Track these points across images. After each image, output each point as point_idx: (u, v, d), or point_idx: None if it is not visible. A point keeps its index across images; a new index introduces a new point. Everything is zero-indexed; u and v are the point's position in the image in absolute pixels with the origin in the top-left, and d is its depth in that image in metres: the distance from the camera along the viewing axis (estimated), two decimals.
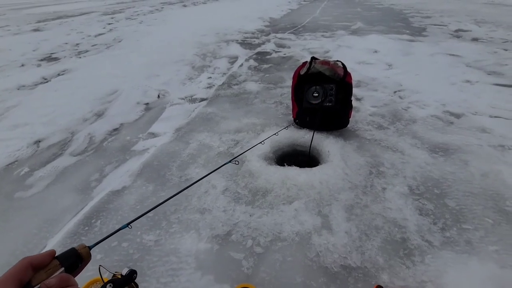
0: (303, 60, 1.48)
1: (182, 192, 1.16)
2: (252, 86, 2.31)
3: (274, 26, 5.21)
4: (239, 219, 1.02)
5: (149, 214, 1.07)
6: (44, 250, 0.58)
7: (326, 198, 1.08)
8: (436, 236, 0.92)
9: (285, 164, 1.27)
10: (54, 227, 1.05)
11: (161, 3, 12.30)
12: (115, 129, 1.77)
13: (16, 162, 1.48)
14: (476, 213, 1.00)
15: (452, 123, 1.61)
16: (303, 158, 1.42)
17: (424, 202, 1.05)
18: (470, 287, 0.77)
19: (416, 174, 1.20)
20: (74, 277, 0.34)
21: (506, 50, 2.98)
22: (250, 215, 1.03)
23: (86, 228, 1.03)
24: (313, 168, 1.23)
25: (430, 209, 1.02)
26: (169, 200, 1.12)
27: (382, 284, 0.76)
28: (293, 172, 1.20)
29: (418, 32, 4.03)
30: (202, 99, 2.13)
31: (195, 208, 1.08)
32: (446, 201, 1.05)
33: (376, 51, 3.11)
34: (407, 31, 4.06)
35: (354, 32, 4.21)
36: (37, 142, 1.66)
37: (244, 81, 2.47)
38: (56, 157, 1.52)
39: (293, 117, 1.55)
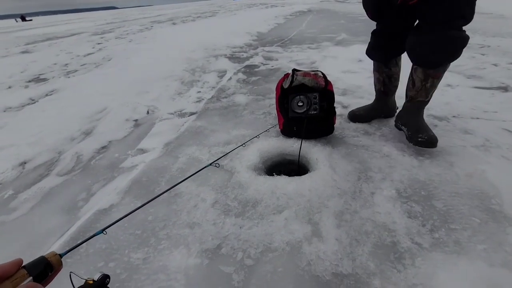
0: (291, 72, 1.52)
1: (171, 207, 1.16)
2: (241, 99, 2.34)
3: (262, 40, 5.35)
4: (229, 231, 1.00)
5: (137, 231, 1.06)
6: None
7: (316, 206, 1.08)
8: (425, 238, 0.93)
9: (274, 174, 1.27)
10: (38, 250, 1.02)
11: (151, 22, 12.55)
12: (103, 147, 1.75)
13: (0, 185, 1.44)
14: (463, 213, 1.01)
15: (436, 126, 1.65)
16: (292, 167, 1.43)
17: (412, 205, 1.06)
18: (461, 287, 0.77)
19: (403, 178, 1.21)
20: (44, 286, 0.33)
21: (483, 54, 3.11)
22: (240, 227, 1.02)
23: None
24: (302, 176, 1.24)
25: (418, 211, 1.03)
26: (158, 216, 1.11)
27: None
28: (282, 181, 1.21)
29: None
30: (192, 113, 2.15)
31: (185, 222, 1.07)
32: (433, 203, 1.07)
33: (360, 60, 3.21)
34: None
35: (339, 43, 4.35)
36: (23, 163, 1.63)
37: (233, 94, 2.50)
38: (42, 178, 1.49)
39: (279, 128, 1.57)
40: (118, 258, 0.94)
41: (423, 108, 1.46)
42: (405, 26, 1.41)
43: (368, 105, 1.81)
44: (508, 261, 0.83)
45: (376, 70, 1.67)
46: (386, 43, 1.51)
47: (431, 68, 1.29)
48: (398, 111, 1.65)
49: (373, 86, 1.76)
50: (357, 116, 1.76)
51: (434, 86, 1.36)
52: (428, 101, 1.43)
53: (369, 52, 1.64)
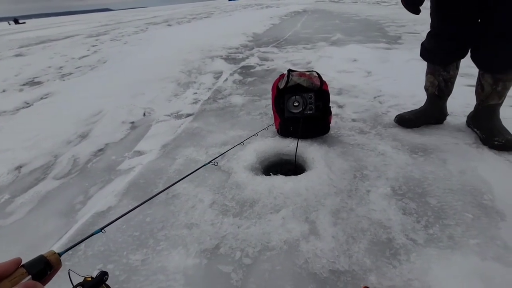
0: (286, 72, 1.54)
1: (169, 209, 1.16)
2: (237, 99, 2.35)
3: (258, 41, 5.37)
4: (227, 231, 1.01)
5: (135, 233, 1.06)
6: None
7: (313, 204, 1.09)
8: (420, 234, 0.94)
9: (271, 173, 1.29)
10: (36, 253, 1.01)
11: (146, 23, 12.50)
12: (100, 150, 1.75)
13: None
14: (456, 209, 1.03)
15: (430, 124, 1.68)
16: (289, 166, 1.44)
17: (407, 202, 1.08)
18: (455, 281, 0.79)
19: (398, 175, 1.23)
20: (44, 285, 0.33)
21: None
22: (238, 227, 1.03)
23: (70, 252, 1.00)
24: (299, 176, 1.25)
25: (413, 208, 1.05)
26: (156, 218, 1.11)
27: (369, 286, 0.77)
28: (279, 181, 1.22)
29: (394, 40, 4.24)
30: (188, 115, 2.15)
31: (183, 223, 1.07)
32: (428, 199, 1.09)
33: (355, 60, 3.23)
34: (384, 40, 4.26)
35: (334, 43, 4.38)
36: (19, 167, 1.62)
37: (229, 94, 2.51)
38: (38, 181, 1.48)
39: (276, 128, 1.59)
40: (117, 260, 0.95)
41: (498, 110, 1.40)
42: (476, 29, 1.30)
43: (418, 109, 1.70)
44: (500, 255, 0.85)
45: (431, 73, 1.57)
46: (453, 45, 1.41)
47: (499, 73, 1.26)
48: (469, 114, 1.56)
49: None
50: (406, 120, 1.64)
51: (507, 88, 1.30)
52: (502, 102, 1.37)
53: (427, 55, 1.53)
